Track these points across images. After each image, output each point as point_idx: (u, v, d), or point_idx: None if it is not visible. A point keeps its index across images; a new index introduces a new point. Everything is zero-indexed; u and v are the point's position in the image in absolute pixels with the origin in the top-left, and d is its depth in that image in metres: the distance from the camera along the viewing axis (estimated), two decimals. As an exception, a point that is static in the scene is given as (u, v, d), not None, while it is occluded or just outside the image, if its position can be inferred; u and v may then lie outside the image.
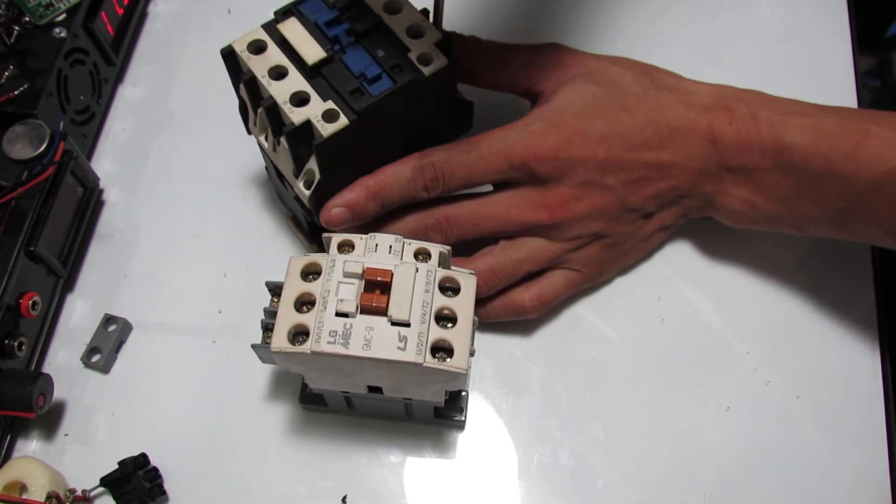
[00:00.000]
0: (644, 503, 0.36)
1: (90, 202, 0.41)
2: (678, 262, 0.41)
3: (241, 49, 0.33)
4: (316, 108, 0.32)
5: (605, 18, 0.49)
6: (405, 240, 0.32)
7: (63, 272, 0.39)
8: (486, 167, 0.36)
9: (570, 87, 0.37)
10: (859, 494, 0.36)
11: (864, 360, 0.38)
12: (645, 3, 0.49)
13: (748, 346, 0.39)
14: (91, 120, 0.44)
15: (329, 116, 0.32)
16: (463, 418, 0.37)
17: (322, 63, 0.33)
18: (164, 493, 0.36)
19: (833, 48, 0.47)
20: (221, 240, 0.42)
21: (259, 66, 0.33)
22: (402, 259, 0.31)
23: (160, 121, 0.46)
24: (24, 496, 0.34)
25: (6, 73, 0.39)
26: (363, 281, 0.30)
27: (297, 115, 0.32)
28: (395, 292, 0.30)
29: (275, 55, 0.33)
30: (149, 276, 0.41)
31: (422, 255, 0.31)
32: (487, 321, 0.39)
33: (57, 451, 0.37)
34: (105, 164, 0.45)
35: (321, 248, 0.35)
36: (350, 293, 0.30)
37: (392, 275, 0.30)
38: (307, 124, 0.32)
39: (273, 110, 0.33)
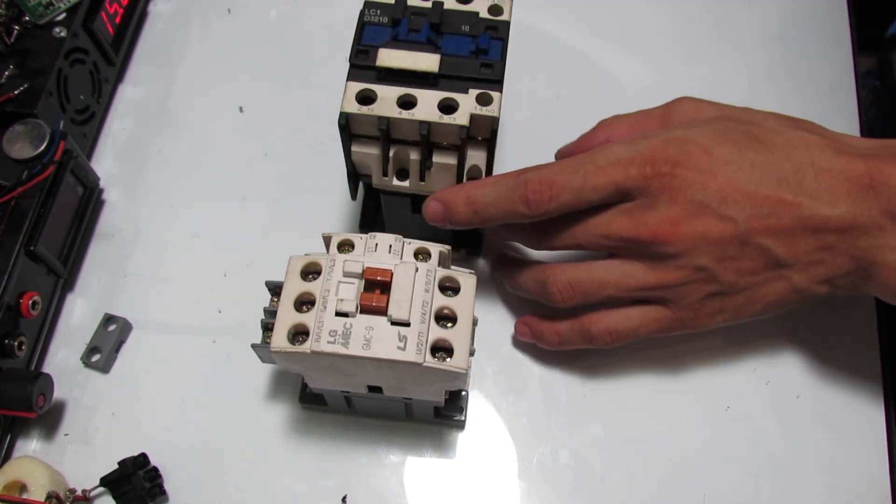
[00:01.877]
0: (644, 503, 0.36)
1: (90, 202, 0.41)
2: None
3: (355, 109, 0.32)
4: (467, 103, 0.32)
5: (600, 13, 0.49)
6: (405, 239, 0.32)
7: (63, 272, 0.39)
8: (602, 178, 0.32)
9: (700, 118, 0.34)
10: (859, 494, 0.36)
11: (864, 360, 0.38)
12: (646, 2, 0.49)
13: (748, 346, 0.39)
14: (91, 119, 0.44)
15: (483, 100, 0.32)
16: (463, 418, 0.37)
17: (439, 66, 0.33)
18: (164, 493, 0.36)
19: (833, 48, 0.47)
20: (221, 240, 0.42)
21: (385, 107, 0.32)
22: (401, 258, 0.31)
23: (160, 121, 0.46)
24: (24, 496, 0.34)
25: (6, 73, 0.39)
26: (363, 280, 0.30)
27: (458, 119, 0.32)
28: (395, 292, 0.30)
29: (388, 91, 0.32)
30: (149, 276, 0.41)
31: (422, 254, 0.31)
32: (561, 347, 0.37)
33: (57, 450, 0.37)
34: (105, 163, 0.45)
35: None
36: (350, 293, 0.30)
37: (392, 274, 0.30)
38: (472, 119, 0.32)
39: (426, 132, 0.32)
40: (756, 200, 0.31)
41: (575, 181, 0.32)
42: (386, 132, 0.32)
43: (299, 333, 0.30)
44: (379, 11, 0.34)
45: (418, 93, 0.32)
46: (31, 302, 0.36)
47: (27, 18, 0.41)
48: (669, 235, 0.32)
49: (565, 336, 0.36)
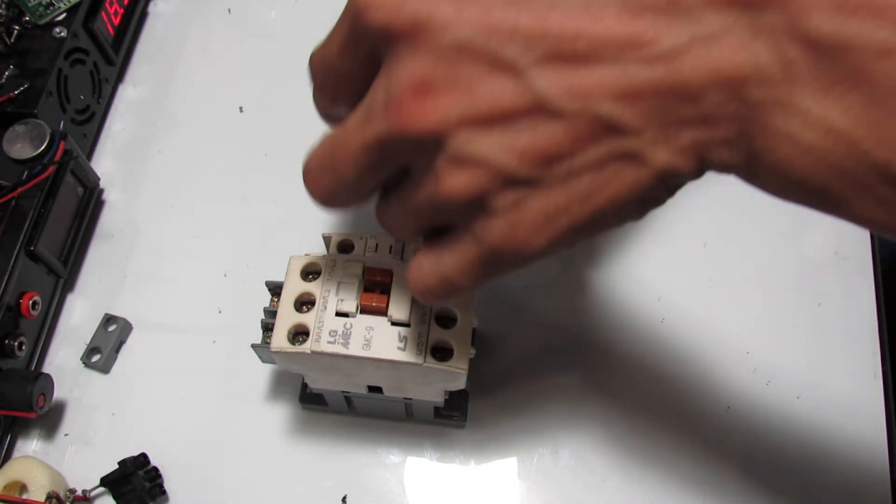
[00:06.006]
0: (644, 503, 0.36)
1: (90, 202, 0.41)
2: (678, 261, 0.41)
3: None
4: None
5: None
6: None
7: (63, 272, 0.39)
8: (335, 41, 0.23)
9: None
10: (859, 494, 0.36)
11: (864, 360, 0.38)
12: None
13: (748, 346, 0.39)
14: (91, 120, 0.44)
15: None
16: (463, 418, 0.37)
17: None
18: (164, 493, 0.36)
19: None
20: (221, 240, 0.42)
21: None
22: (402, 259, 0.31)
23: (160, 121, 0.46)
24: (24, 496, 0.34)
25: (6, 73, 0.39)
26: (363, 281, 0.30)
27: None
28: (396, 292, 0.30)
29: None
30: (149, 276, 0.41)
31: (422, 255, 0.31)
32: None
33: (57, 451, 0.37)
34: (105, 164, 0.45)
35: None
36: (350, 293, 0.30)
37: (392, 275, 0.30)
38: None
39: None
40: (548, 32, 0.19)
41: (318, 55, 0.25)
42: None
43: (299, 333, 0.30)
44: None
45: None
46: (31, 302, 0.36)
47: (27, 18, 0.41)
48: (416, 117, 0.20)
49: None
